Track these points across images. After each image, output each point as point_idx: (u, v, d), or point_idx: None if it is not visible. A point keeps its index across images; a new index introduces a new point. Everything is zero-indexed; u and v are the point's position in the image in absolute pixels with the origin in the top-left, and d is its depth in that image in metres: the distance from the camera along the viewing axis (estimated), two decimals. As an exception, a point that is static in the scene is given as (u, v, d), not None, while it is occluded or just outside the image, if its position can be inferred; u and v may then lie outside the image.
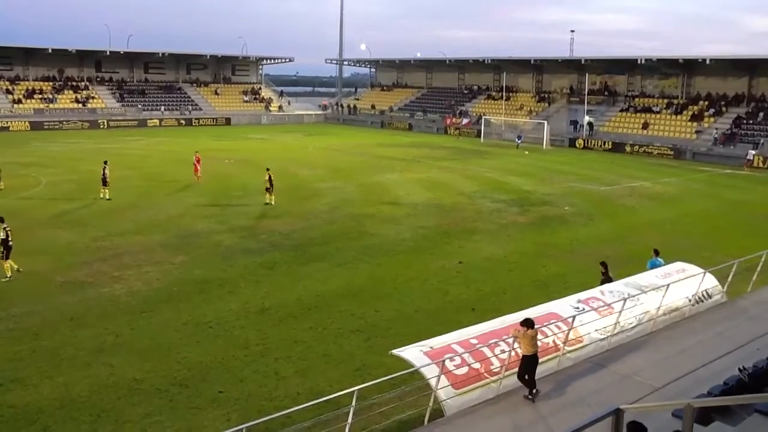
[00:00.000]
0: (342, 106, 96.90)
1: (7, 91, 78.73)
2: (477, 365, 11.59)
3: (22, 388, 13.36)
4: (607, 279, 16.81)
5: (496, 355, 11.87)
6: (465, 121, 76.78)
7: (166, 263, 22.24)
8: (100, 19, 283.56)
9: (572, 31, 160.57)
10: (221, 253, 23.87)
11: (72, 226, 27.29)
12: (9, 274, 20.03)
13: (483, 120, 70.90)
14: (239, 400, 13.08)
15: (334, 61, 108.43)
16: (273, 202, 32.13)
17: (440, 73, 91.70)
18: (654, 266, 17.62)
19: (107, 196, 32.25)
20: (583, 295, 14.82)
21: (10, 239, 20.17)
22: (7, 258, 20.15)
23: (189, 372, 14.25)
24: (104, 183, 32.44)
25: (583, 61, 72.21)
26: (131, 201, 32.42)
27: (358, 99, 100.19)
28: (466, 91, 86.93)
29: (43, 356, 14.87)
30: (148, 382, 13.73)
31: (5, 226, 20.30)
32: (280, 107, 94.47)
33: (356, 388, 10.13)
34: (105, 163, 33.30)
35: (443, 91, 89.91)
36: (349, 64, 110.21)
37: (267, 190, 32.49)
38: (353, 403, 9.99)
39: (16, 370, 14.16)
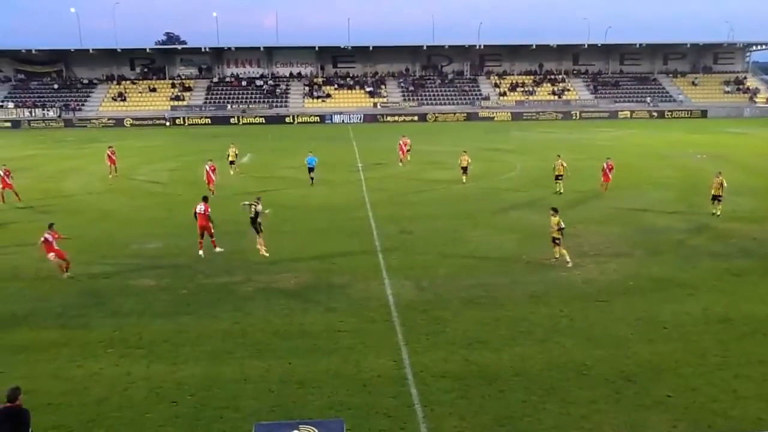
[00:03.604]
0: None
1: (495, 85, 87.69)
2: None
3: (485, 350, 15.02)
4: None
5: None
6: None
7: (624, 256, 22.18)
8: (580, 13, 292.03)
9: None
10: (683, 252, 22.72)
11: (539, 210, 29.22)
12: None
13: None
14: (689, 409, 12.40)
15: None
16: (561, 191, 32.44)
17: None
18: None
19: (560, 190, 32.73)
20: None
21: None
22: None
23: (638, 368, 14.06)
24: (558, 177, 32.96)
25: None
26: (595, 191, 33.06)
27: None
28: None
29: (505, 325, 16.41)
30: (596, 370, 14.01)
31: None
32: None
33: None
34: (558, 156, 34.06)
35: None
36: None
37: (557, 178, 32.81)
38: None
39: (483, 333, 15.95)
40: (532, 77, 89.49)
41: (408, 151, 43.45)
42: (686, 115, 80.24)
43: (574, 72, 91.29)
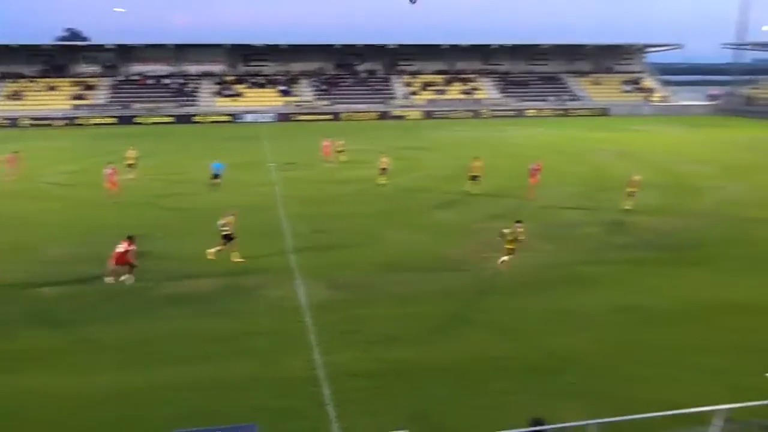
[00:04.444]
0: (738, 96, 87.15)
1: (407, 84, 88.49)
2: None
3: (400, 346, 15.08)
4: None
5: None
6: None
7: (533, 250, 22.76)
8: (492, 14, 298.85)
9: None
10: (589, 245, 23.59)
11: (452, 207, 29.72)
12: None
13: None
14: (595, 396, 12.85)
15: (731, 46, 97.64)
16: (476, 191, 31.98)
17: None
18: None
19: (474, 191, 32.29)
20: None
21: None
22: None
23: (549, 359, 14.49)
24: (473, 178, 32.63)
25: None
26: (506, 188, 33.81)
27: (758, 88, 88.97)
28: None
29: (420, 321, 16.53)
30: (509, 362, 14.34)
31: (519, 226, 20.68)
32: (663, 97, 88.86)
33: (722, 407, 9.21)
34: (475, 158, 33.68)
35: None
36: (750, 49, 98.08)
37: (473, 178, 32.47)
38: (719, 423, 9.10)
39: (397, 329, 16.01)
40: (443, 76, 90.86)
41: (340, 152, 43.27)
42: (589, 113, 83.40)
43: (484, 72, 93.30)
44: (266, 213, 28.56)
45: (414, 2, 39.58)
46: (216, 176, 34.24)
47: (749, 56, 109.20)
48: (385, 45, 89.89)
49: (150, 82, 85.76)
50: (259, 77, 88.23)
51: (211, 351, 14.83)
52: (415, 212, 28.89)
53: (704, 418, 9.58)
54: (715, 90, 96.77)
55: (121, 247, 19.21)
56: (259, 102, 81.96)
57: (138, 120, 76.25)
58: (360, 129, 66.48)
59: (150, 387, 13.20)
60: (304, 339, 15.40)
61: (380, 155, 36.17)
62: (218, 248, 21.42)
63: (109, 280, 19.27)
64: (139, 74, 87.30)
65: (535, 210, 28.99)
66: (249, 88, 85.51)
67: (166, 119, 76.75)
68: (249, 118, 77.92)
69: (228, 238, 21.35)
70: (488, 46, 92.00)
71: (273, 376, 13.58)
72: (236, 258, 21.30)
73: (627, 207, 28.65)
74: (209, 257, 21.32)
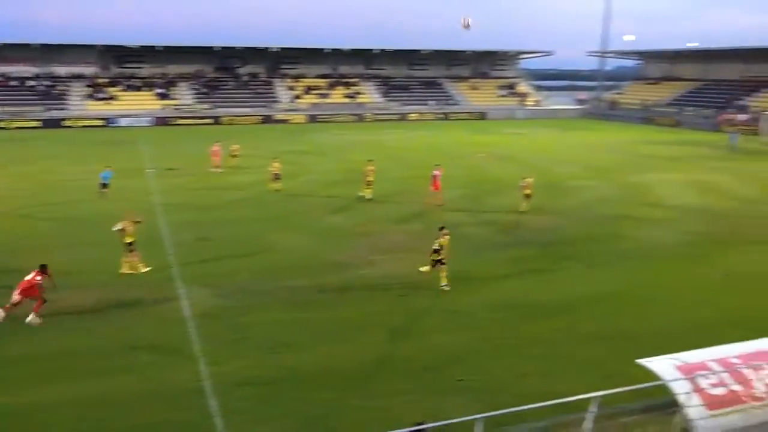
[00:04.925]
0: (602, 101, 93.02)
1: (290, 88, 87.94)
2: (737, 387, 10.47)
3: (290, 352, 14.97)
4: None
5: (762, 379, 10.61)
6: (742, 117, 69.23)
7: (417, 251, 23.22)
8: (373, 20, 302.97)
9: None
10: (471, 245, 24.36)
11: (338, 211, 29.80)
12: None
13: (764, 116, 63.39)
14: (480, 391, 13.32)
15: (596, 54, 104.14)
16: (370, 196, 32.05)
17: (719, 64, 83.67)
18: None
19: (368, 196, 32.35)
20: None
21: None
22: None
23: (436, 357, 14.85)
24: (368, 183, 32.58)
25: None
26: (393, 191, 34.29)
27: (620, 93, 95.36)
28: (748, 84, 78.38)
29: (309, 326, 16.49)
30: (398, 362, 14.60)
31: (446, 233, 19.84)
32: (537, 102, 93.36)
33: (597, 394, 9.80)
34: (369, 161, 33.64)
35: (721, 84, 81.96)
36: (613, 57, 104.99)
37: (369, 184, 32.26)
38: (594, 410, 9.68)
39: (286, 336, 15.89)
40: (326, 80, 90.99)
41: (235, 156, 42.17)
42: (467, 117, 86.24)
43: (367, 76, 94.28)
44: (147, 222, 27.40)
45: (468, 28, 39.95)
46: (105, 185, 32.63)
47: (612, 64, 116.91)
48: (267, 47, 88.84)
49: (13, 83, 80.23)
50: (134, 80, 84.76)
51: (93, 367, 14.11)
52: (303, 217, 28.75)
53: (581, 406, 10.13)
54: (582, 95, 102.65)
55: (30, 277, 16.47)
56: (135, 105, 78.71)
57: (0, 125, 71.21)
58: (243, 133, 65.25)
59: (30, 407, 12.43)
60: (190, 350, 14.96)
61: (272, 161, 35.48)
62: (132, 260, 20.54)
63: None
64: (0, 75, 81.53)
65: (422, 212, 29.60)
66: (123, 91, 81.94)
67: (32, 123, 72.09)
68: (124, 122, 74.63)
69: (130, 245, 20.42)
70: (370, 50, 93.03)
71: (158, 390, 13.09)
72: (124, 269, 20.47)
73: (523, 208, 29.50)
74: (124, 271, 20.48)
